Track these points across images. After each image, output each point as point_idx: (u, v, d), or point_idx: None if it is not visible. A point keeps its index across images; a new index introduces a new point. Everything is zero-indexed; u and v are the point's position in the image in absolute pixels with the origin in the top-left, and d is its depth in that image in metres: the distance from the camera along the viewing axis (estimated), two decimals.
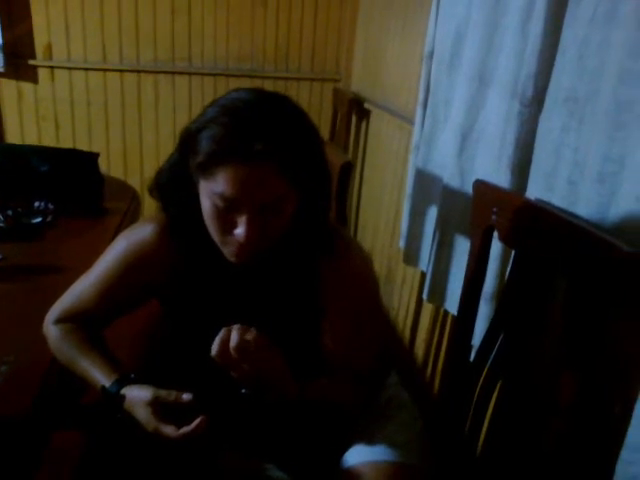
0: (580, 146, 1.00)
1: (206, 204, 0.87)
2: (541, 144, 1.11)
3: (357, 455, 0.99)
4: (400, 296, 2.16)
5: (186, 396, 0.84)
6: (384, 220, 2.39)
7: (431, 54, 1.64)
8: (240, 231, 0.85)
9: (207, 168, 0.83)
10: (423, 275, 1.79)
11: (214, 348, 0.81)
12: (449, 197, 1.47)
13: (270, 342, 0.84)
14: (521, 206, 1.00)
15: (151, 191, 0.95)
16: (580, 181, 0.99)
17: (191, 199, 0.90)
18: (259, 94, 0.87)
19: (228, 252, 0.90)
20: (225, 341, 0.80)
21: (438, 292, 1.55)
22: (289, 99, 0.89)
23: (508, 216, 1.01)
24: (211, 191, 0.84)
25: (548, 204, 1.03)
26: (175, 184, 0.92)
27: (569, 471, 0.92)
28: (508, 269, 1.13)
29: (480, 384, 1.10)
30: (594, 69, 0.95)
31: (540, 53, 1.09)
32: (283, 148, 0.82)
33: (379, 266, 2.37)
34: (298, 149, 0.84)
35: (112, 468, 0.99)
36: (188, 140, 0.86)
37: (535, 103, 1.13)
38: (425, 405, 1.24)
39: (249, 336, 0.81)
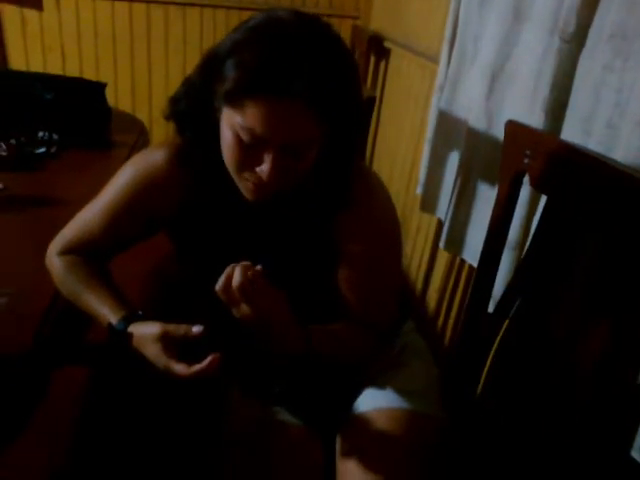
0: (623, 87, 0.94)
1: (227, 134, 0.80)
2: (580, 84, 1.04)
3: (370, 401, 0.97)
4: (414, 244, 2.11)
5: (196, 328, 0.80)
6: (400, 165, 2.31)
7: None
8: (264, 168, 0.79)
9: (235, 98, 0.76)
10: (439, 223, 1.74)
11: (219, 283, 0.77)
12: (473, 141, 1.39)
13: (274, 285, 0.80)
14: (557, 149, 0.94)
15: (167, 117, 0.88)
16: (620, 124, 0.94)
17: (210, 126, 0.83)
18: (298, 18, 0.78)
19: (244, 187, 0.85)
20: (230, 277, 0.76)
21: (456, 240, 1.50)
22: (330, 27, 0.81)
23: (542, 159, 0.94)
24: (237, 123, 0.77)
25: (585, 149, 0.97)
26: (194, 110, 0.85)
27: (589, 428, 0.89)
28: (535, 217, 1.08)
29: (499, 336, 1.06)
30: None
31: None
32: (323, 87, 0.74)
33: None
34: (337, 88, 0.77)
35: (118, 407, 0.97)
36: (214, 64, 0.78)
37: (576, 39, 1.05)
38: (436, 354, 1.20)
39: (252, 276, 0.76)
